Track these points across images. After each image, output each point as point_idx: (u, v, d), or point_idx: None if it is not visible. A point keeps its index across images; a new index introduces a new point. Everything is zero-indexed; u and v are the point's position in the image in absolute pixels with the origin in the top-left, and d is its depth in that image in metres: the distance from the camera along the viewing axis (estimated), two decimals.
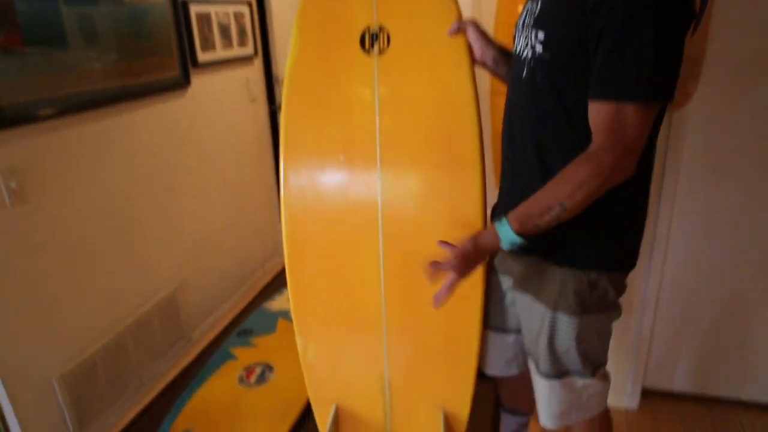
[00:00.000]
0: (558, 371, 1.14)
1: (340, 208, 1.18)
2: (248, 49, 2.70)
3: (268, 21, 2.86)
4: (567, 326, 1.08)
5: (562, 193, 0.92)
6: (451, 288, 0.99)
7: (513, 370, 1.33)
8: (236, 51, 2.59)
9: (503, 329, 1.27)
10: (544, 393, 1.17)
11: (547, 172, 0.98)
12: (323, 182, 1.18)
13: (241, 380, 1.98)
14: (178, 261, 2.23)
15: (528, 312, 1.14)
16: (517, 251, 1.01)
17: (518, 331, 1.26)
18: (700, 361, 1.83)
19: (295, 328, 1.22)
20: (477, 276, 1.15)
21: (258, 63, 2.84)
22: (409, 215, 1.15)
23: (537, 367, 1.16)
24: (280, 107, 2.66)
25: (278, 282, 2.88)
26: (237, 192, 2.66)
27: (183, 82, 2.20)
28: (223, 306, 2.58)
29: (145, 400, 1.98)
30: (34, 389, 1.59)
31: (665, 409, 1.86)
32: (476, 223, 1.12)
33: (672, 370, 1.87)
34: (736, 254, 1.68)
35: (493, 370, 1.33)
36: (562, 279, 1.06)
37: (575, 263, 1.05)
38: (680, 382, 1.88)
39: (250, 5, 2.67)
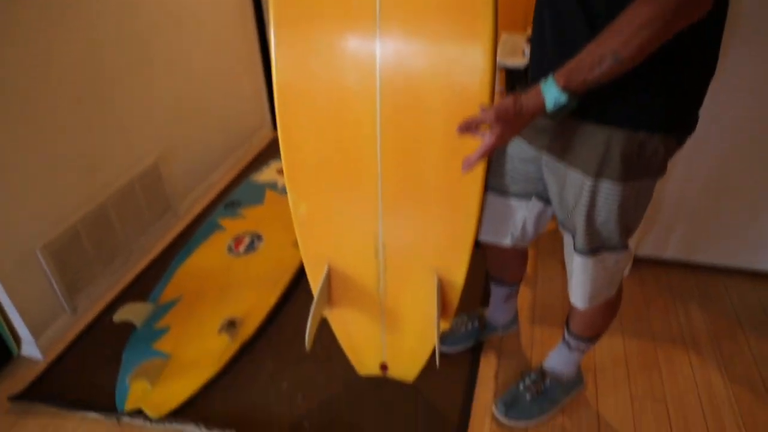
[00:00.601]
0: (594, 246, 1.07)
1: (336, 64, 1.05)
2: None
3: None
4: (609, 195, 0.99)
5: (616, 41, 0.78)
6: (485, 152, 0.90)
7: (505, 241, 1.28)
8: None
9: (504, 191, 1.21)
10: (578, 272, 1.12)
11: (595, 30, 0.83)
12: (317, 39, 1.04)
13: (230, 249, 1.97)
14: (158, 130, 2.11)
15: (562, 182, 1.05)
16: (559, 114, 0.91)
17: (524, 196, 1.19)
18: (690, 230, 1.82)
19: (287, 185, 1.15)
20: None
21: None
22: (410, 70, 1.02)
23: (573, 242, 1.10)
24: None
25: (266, 155, 2.78)
26: (217, 55, 2.46)
27: None
28: (210, 178, 2.50)
29: (136, 270, 1.98)
30: (19, 260, 1.56)
31: (653, 275, 1.88)
32: (485, 77, 0.99)
33: (662, 239, 1.86)
34: (726, 128, 1.58)
35: (485, 236, 1.29)
36: (607, 141, 0.94)
37: (624, 122, 0.92)
38: (670, 250, 1.88)
39: None
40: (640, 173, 0.97)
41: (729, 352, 1.58)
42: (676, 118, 0.94)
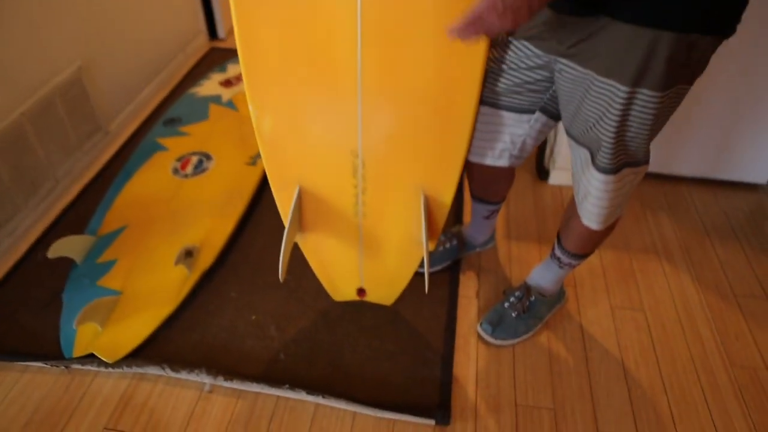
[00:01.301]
0: (619, 163, 0.96)
1: None
2: None
3: None
4: (645, 106, 0.86)
5: None
6: (480, 30, 0.71)
7: (500, 162, 1.16)
8: None
9: (502, 105, 1.07)
10: (597, 192, 1.01)
11: None
12: None
13: (175, 171, 1.75)
14: (78, 33, 1.78)
15: (583, 93, 0.92)
16: (582, 11, 0.75)
17: (527, 110, 1.06)
18: (659, 141, 1.78)
19: (248, 94, 0.95)
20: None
21: None
22: None
23: (592, 159, 0.98)
24: None
25: (203, 67, 2.48)
26: None
27: None
28: (143, 94, 2.20)
29: (66, 199, 1.73)
30: None
31: None
32: None
33: None
34: None
35: (476, 156, 1.17)
36: (651, 45, 0.80)
37: (674, 23, 0.78)
38: None
39: None
40: (682, 79, 0.86)
41: (698, 259, 1.59)
42: (730, 13, 0.81)
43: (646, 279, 1.53)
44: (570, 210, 1.19)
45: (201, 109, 2.06)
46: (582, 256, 1.24)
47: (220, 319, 1.37)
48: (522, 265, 1.56)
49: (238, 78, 2.27)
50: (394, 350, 1.32)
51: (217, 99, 2.13)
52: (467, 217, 1.70)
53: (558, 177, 1.85)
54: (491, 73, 1.05)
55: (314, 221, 1.18)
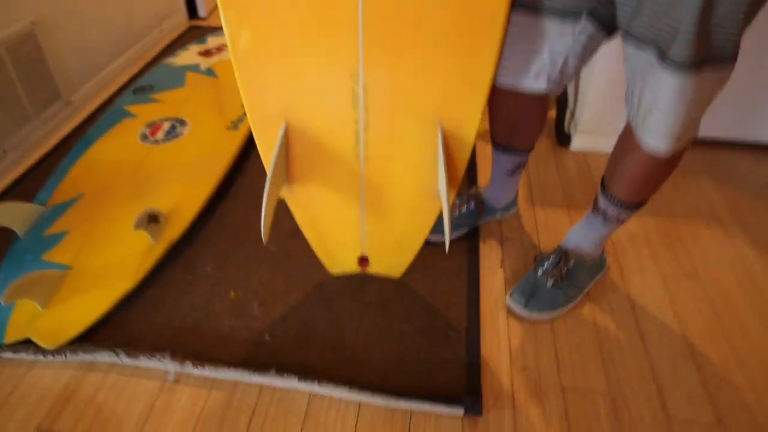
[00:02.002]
0: (700, 57, 0.74)
1: None
2: None
3: None
4: None
5: None
6: None
7: (537, 84, 0.93)
8: None
9: (540, 7, 0.85)
10: (667, 100, 0.79)
11: None
12: None
13: (144, 138, 1.51)
14: None
15: None
16: None
17: (570, 14, 0.84)
18: None
19: (220, 4, 0.72)
20: None
21: None
22: None
23: (662, 57, 0.76)
24: None
25: (180, 44, 2.26)
26: None
27: None
28: (111, 66, 1.97)
29: (14, 173, 1.48)
30: None
31: None
32: None
33: None
34: None
35: (506, 77, 0.94)
36: None
37: None
38: None
39: None
40: None
41: (753, 223, 1.37)
42: None
43: (698, 245, 1.30)
44: (622, 145, 0.97)
45: (176, 77, 1.83)
46: (635, 205, 1.01)
47: (191, 298, 1.12)
48: (551, 232, 1.32)
49: (219, 48, 2.04)
50: (407, 329, 1.07)
51: (194, 68, 1.90)
52: (483, 179, 1.47)
53: (581, 141, 1.63)
54: None
55: (304, 169, 0.94)
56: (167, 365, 0.97)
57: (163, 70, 1.90)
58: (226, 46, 1.97)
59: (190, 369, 0.96)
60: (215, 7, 2.65)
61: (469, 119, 0.87)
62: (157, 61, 2.07)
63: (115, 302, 1.07)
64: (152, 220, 1.17)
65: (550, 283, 1.11)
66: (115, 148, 1.48)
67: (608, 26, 0.86)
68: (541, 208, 1.40)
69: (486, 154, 1.60)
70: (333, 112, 0.87)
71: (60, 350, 0.99)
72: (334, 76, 0.82)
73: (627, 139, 0.94)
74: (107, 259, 1.15)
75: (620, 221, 1.06)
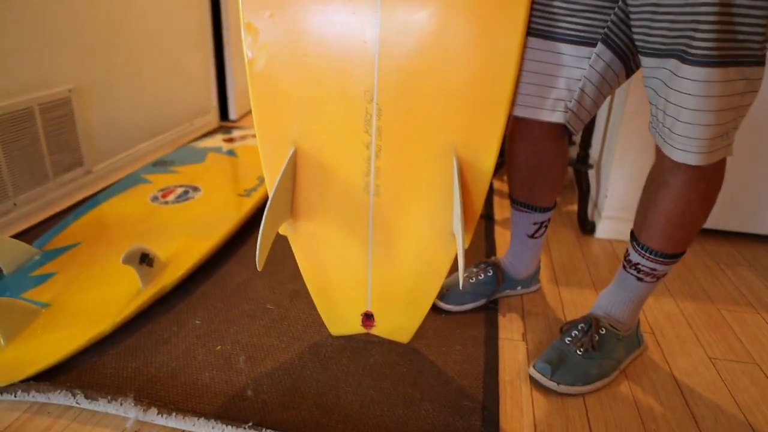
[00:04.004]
0: (724, 52, 0.70)
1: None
2: None
3: None
4: None
5: None
6: None
7: (553, 116, 0.89)
8: None
9: (554, 34, 0.84)
10: (692, 101, 0.73)
11: None
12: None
13: (154, 199, 1.49)
14: (79, 57, 1.66)
15: None
16: None
17: (585, 40, 0.83)
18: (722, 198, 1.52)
19: (241, 13, 0.73)
20: None
21: None
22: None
23: (683, 58, 0.72)
24: None
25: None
26: (164, 22, 2.08)
27: None
28: (137, 147, 2.03)
29: (18, 227, 1.45)
30: None
31: None
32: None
33: None
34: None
35: (521, 109, 0.91)
36: None
37: None
38: None
39: None
40: None
41: None
42: None
43: (746, 330, 1.15)
44: (650, 186, 0.90)
45: (198, 155, 1.86)
46: (672, 255, 0.91)
47: (173, 348, 1.00)
48: (579, 309, 1.19)
49: (243, 137, 2.11)
50: (414, 394, 0.92)
51: (217, 149, 1.94)
52: (500, 252, 1.38)
53: (607, 228, 1.56)
54: None
55: (310, 200, 0.88)
56: (128, 411, 0.82)
57: (186, 150, 1.94)
58: (250, 136, 2.04)
59: (153, 417, 0.82)
60: (246, 113, 2.80)
61: (487, 147, 0.82)
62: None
63: (84, 344, 0.95)
64: (145, 260, 1.09)
65: (579, 351, 0.96)
66: (124, 206, 1.45)
67: (625, 53, 0.84)
68: (566, 287, 1.28)
69: (505, 227, 1.53)
70: (345, 135, 0.83)
71: (11, 388, 0.86)
72: (349, 91, 0.80)
73: (657, 175, 0.87)
74: (89, 300, 1.05)
75: (656, 277, 0.94)
